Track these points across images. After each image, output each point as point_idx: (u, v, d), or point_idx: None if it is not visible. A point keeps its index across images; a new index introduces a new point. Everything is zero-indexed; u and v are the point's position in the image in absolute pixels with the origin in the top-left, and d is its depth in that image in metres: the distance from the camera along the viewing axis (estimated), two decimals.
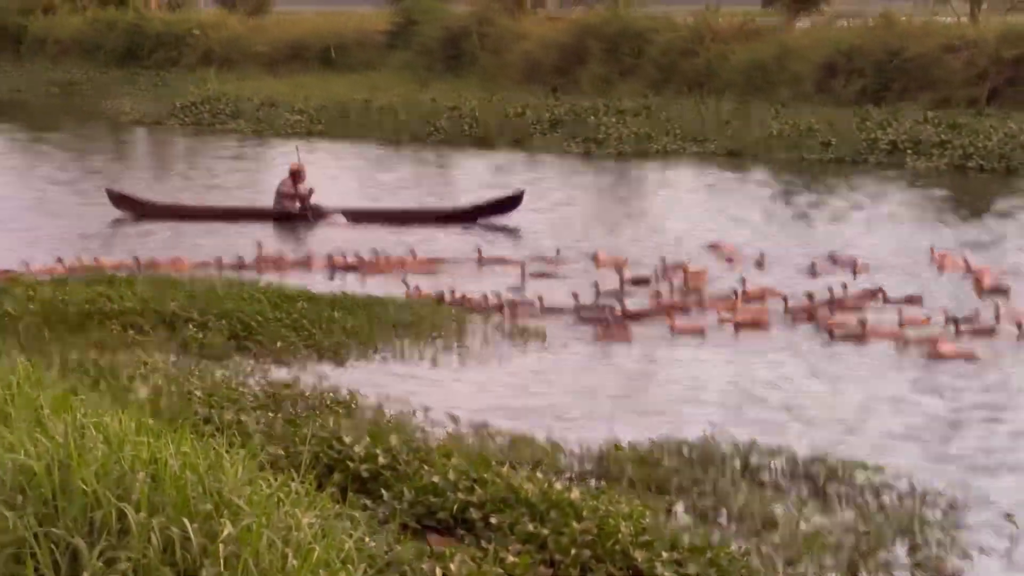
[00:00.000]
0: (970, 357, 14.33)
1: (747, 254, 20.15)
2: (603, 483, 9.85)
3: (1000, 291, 17.45)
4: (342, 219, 23.75)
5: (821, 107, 36.57)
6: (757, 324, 15.81)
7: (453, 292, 16.89)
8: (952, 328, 15.23)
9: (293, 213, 23.77)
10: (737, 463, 10.40)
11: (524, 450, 10.23)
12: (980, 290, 17.65)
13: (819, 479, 10.22)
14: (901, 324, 15.38)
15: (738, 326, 15.71)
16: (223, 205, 24.81)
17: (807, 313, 16.16)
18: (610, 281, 17.66)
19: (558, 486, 8.50)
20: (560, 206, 25.87)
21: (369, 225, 23.32)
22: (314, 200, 23.91)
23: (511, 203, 24.19)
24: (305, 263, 19.63)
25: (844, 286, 17.16)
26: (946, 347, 14.47)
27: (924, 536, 9.11)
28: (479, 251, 20.09)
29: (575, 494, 8.34)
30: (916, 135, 32.23)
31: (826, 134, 33.20)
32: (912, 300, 16.80)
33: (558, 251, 20.10)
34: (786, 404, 12.75)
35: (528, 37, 46.82)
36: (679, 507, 9.56)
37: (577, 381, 13.64)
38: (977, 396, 13.10)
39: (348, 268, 19.41)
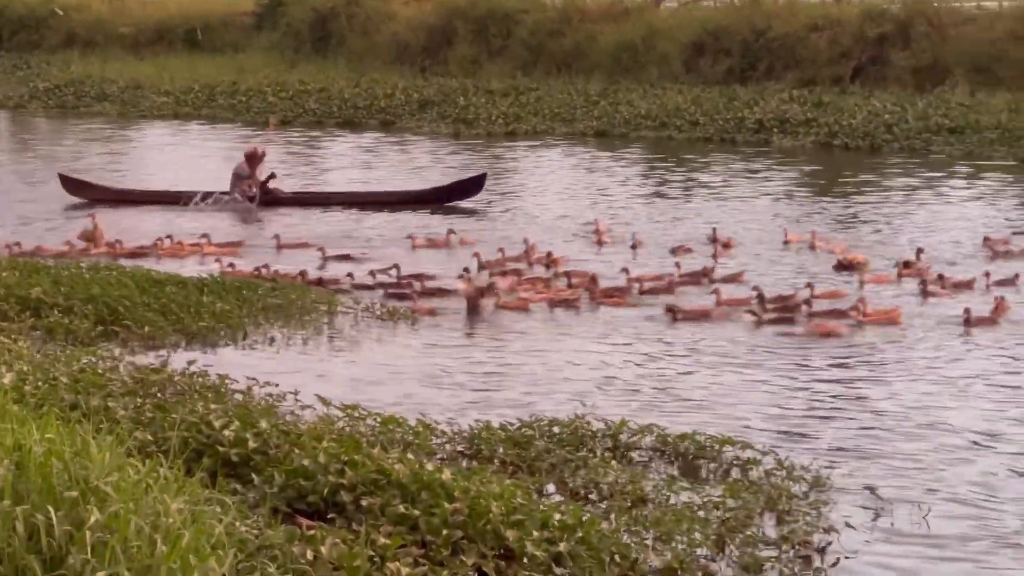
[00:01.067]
0: (833, 333, 14.57)
1: (619, 234, 20.31)
2: (474, 464, 9.88)
3: (856, 265, 17.75)
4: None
5: (689, 87, 36.88)
6: (617, 303, 16.00)
7: (267, 267, 17.23)
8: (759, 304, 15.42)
9: (250, 196, 23.50)
10: (608, 442, 10.47)
11: (395, 432, 10.20)
12: (840, 266, 17.92)
13: (688, 456, 10.33)
14: (718, 304, 15.57)
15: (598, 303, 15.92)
16: (181, 190, 24.28)
17: (655, 292, 16.38)
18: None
19: (429, 467, 8.48)
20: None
21: (330, 209, 23.14)
22: (274, 185, 23.64)
23: (474, 185, 24.12)
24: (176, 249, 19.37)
25: (677, 265, 17.52)
26: (822, 326, 14.71)
27: (791, 511, 9.24)
28: (277, 236, 19.95)
29: (446, 475, 8.33)
30: (782, 114, 32.62)
31: (694, 113, 33.49)
32: (734, 278, 17.01)
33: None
34: (651, 384, 12.86)
35: (396, 18, 46.62)
36: (550, 486, 9.60)
37: (445, 363, 13.65)
38: (834, 373, 13.31)
39: (136, 255, 18.97)
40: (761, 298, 15.63)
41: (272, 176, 23.68)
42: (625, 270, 17.11)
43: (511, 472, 9.74)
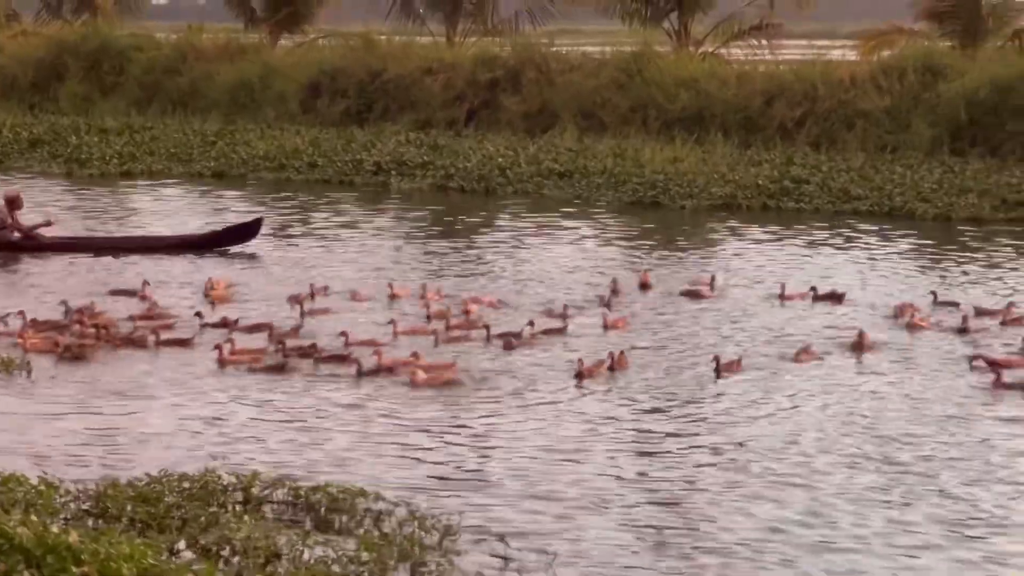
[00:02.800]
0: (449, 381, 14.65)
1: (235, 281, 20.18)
2: (101, 523, 9.65)
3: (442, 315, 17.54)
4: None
5: (307, 127, 36.95)
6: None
7: None
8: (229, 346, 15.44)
9: (7, 241, 22.35)
10: (240, 495, 10.39)
11: (15, 491, 9.86)
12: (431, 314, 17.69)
13: (321, 509, 10.34)
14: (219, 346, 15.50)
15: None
16: None
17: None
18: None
19: (55, 529, 8.24)
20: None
21: (99, 255, 22.07)
22: (45, 231, 22.56)
23: (250, 230, 23.40)
24: None
25: (199, 314, 17.30)
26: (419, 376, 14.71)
27: (424, 561, 9.36)
28: None
29: (73, 537, 8.10)
30: (400, 156, 32.99)
31: (312, 155, 33.55)
32: (261, 327, 16.79)
33: None
34: (284, 435, 12.83)
35: (2, 51, 45.25)
36: (182, 543, 9.45)
37: (67, 417, 13.31)
38: (457, 421, 13.54)
39: None
40: (282, 345, 15.67)
41: (48, 223, 22.66)
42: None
43: (141, 530, 9.56)
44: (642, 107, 34.76)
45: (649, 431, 13.11)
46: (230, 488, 10.43)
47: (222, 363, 15.28)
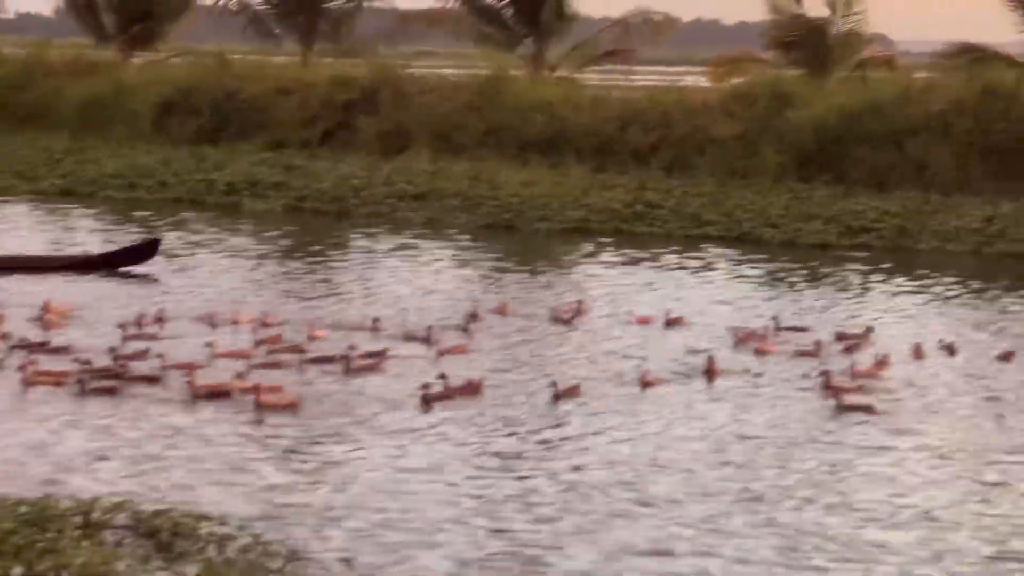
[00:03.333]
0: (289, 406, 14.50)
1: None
2: None
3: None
4: None
5: (159, 146, 36.54)
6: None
7: None
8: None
9: None
10: (79, 520, 10.18)
11: None
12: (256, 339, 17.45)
13: (163, 533, 10.16)
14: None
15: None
16: None
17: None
18: None
19: None
20: None
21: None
22: None
23: (146, 251, 23.00)
24: None
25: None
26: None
27: None
28: None
29: None
30: (253, 176, 32.73)
31: (163, 174, 33.15)
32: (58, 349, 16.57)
33: None
34: (125, 458, 12.61)
35: None
36: (17, 571, 9.23)
37: None
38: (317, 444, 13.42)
39: None
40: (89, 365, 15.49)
41: None
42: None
43: None
44: (497, 130, 34.86)
45: (492, 455, 13.05)
46: (68, 513, 10.22)
47: (26, 383, 14.96)
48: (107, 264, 22.87)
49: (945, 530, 11.23)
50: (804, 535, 11.03)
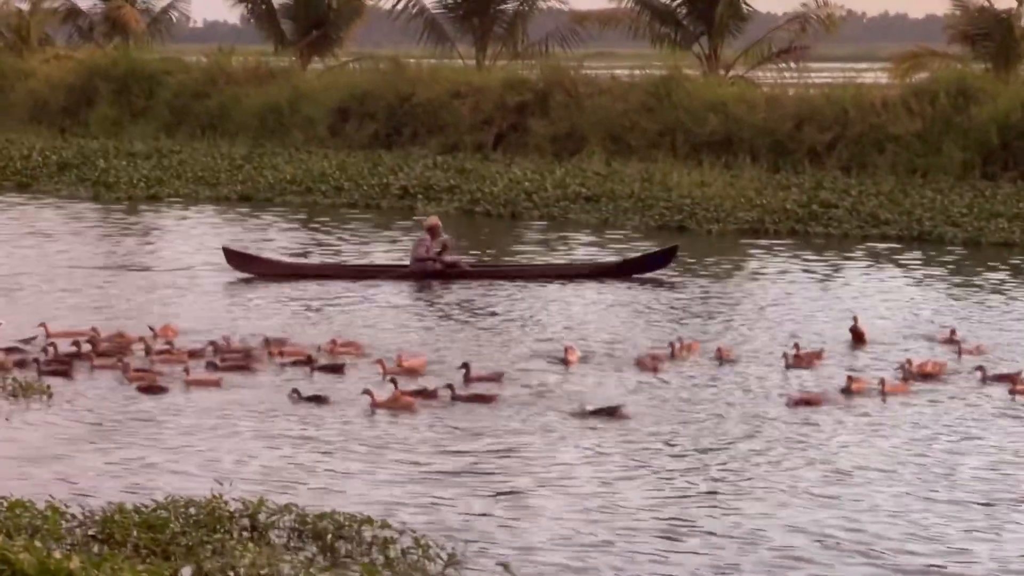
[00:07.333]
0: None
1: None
2: (106, 549, 9.53)
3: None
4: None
5: (335, 151, 36.97)
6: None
7: None
8: None
9: (432, 270, 22.20)
10: (246, 522, 10.26)
11: (21, 517, 9.77)
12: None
13: (327, 535, 10.20)
14: None
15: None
16: (354, 264, 23.35)
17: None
18: None
19: (57, 555, 8.13)
20: (62, 253, 25.06)
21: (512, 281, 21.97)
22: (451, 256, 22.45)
23: (663, 258, 22.99)
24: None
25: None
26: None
27: None
28: None
29: (75, 563, 8.01)
30: (427, 180, 32.92)
31: (339, 179, 33.51)
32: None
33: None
34: (291, 463, 12.68)
35: (34, 76, 45.49)
36: (186, 571, 9.33)
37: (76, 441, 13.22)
38: (466, 445, 13.39)
39: None
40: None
41: (444, 247, 22.33)
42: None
43: (144, 557, 9.44)
44: (670, 131, 34.63)
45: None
46: (236, 515, 10.30)
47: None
48: (628, 271, 22.74)
49: None
50: None
